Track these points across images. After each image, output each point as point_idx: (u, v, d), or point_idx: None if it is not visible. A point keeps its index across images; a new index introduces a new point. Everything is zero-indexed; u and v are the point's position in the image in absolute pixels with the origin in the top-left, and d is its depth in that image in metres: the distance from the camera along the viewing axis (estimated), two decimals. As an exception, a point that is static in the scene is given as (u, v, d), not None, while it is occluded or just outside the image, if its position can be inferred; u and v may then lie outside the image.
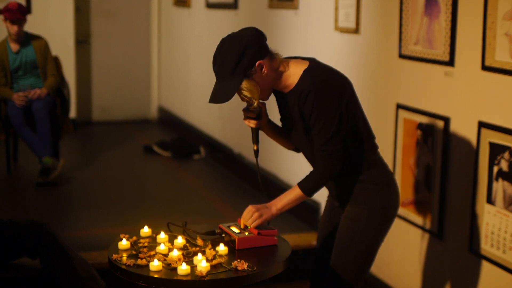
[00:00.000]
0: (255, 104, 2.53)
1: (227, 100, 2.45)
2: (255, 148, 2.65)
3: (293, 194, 2.60)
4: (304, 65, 2.54)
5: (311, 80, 2.48)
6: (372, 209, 2.64)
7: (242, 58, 2.42)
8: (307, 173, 2.62)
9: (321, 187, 2.62)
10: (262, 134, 2.70)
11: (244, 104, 2.58)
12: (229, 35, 2.50)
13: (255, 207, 2.58)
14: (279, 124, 2.76)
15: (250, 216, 2.57)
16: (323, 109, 2.48)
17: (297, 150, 2.79)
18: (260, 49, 2.46)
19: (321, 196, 2.93)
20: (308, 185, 2.58)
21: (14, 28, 5.62)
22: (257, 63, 2.45)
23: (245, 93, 2.48)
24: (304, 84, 2.49)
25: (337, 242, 2.70)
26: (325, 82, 2.50)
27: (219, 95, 2.46)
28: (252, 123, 2.61)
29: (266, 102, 2.63)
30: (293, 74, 2.53)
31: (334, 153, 2.52)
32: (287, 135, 2.72)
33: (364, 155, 2.63)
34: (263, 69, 2.47)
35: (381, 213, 2.66)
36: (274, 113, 2.79)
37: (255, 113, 2.58)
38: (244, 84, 2.45)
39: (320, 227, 2.90)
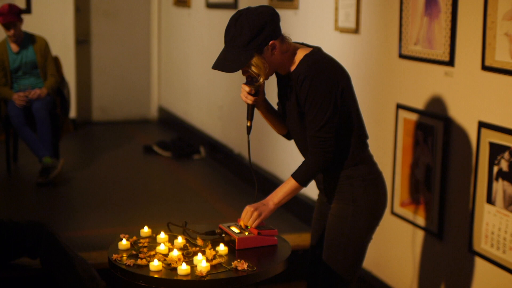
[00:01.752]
0: (261, 80, 2.54)
1: (234, 70, 2.47)
2: (248, 124, 2.65)
3: (288, 186, 2.60)
4: (307, 52, 2.56)
5: (309, 66, 2.51)
6: (358, 206, 2.64)
7: (259, 34, 2.45)
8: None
9: (315, 176, 2.62)
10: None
11: (244, 79, 2.60)
12: (247, 9, 2.51)
13: (253, 206, 2.58)
14: (276, 107, 2.78)
15: (249, 216, 2.57)
16: (318, 95, 2.49)
17: (288, 136, 2.80)
18: (275, 29, 2.49)
19: (321, 196, 2.93)
20: (302, 175, 2.59)
21: (10, 32, 5.61)
22: (270, 42, 2.47)
23: (254, 68, 2.50)
24: (302, 68, 2.52)
25: (326, 240, 2.71)
26: (322, 69, 2.52)
27: (226, 64, 2.48)
28: (249, 99, 2.61)
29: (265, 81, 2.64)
30: (297, 58, 2.56)
31: (326, 140, 2.53)
32: (281, 119, 2.73)
33: (354, 151, 2.64)
34: (274, 50, 2.50)
35: (368, 211, 2.66)
36: (272, 97, 2.79)
37: (255, 89, 2.59)
38: (255, 60, 2.48)
39: (312, 224, 2.90)
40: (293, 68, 2.56)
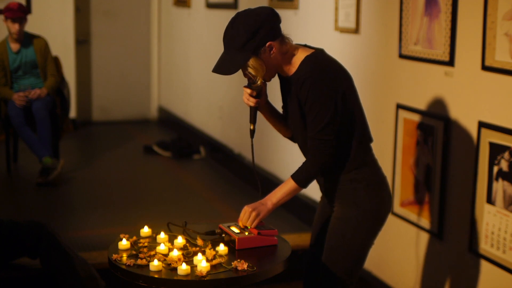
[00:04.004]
0: (259, 82, 2.54)
1: (231, 72, 2.47)
2: (251, 127, 2.65)
3: (287, 187, 2.60)
4: (308, 53, 2.55)
5: (310, 67, 2.50)
6: (362, 210, 2.63)
7: (255, 36, 2.44)
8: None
9: (314, 178, 2.61)
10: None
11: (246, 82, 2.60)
12: (245, 10, 2.51)
13: (251, 207, 2.58)
14: (280, 111, 2.77)
15: (248, 216, 2.56)
16: (318, 97, 2.48)
17: (293, 139, 2.79)
18: (273, 30, 2.48)
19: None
20: (301, 176, 2.58)
21: (15, 27, 5.63)
22: (267, 43, 2.47)
23: (250, 70, 2.50)
24: (303, 70, 2.51)
25: (327, 242, 2.70)
26: (323, 71, 2.51)
27: (224, 67, 2.48)
28: (251, 102, 2.61)
29: (267, 84, 2.63)
30: (299, 60, 2.55)
31: (326, 142, 2.52)
32: (286, 121, 2.73)
33: (357, 154, 2.62)
34: (272, 51, 2.49)
35: (371, 215, 2.64)
36: (276, 100, 2.79)
37: (256, 91, 2.58)
38: (251, 62, 2.48)
39: (313, 225, 2.90)
40: (294, 69, 2.56)
